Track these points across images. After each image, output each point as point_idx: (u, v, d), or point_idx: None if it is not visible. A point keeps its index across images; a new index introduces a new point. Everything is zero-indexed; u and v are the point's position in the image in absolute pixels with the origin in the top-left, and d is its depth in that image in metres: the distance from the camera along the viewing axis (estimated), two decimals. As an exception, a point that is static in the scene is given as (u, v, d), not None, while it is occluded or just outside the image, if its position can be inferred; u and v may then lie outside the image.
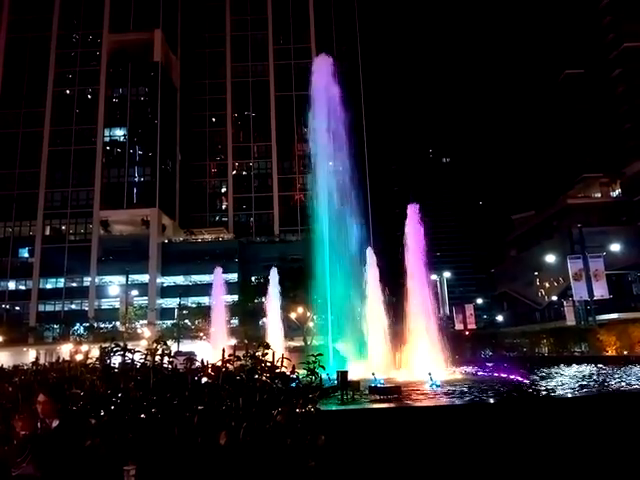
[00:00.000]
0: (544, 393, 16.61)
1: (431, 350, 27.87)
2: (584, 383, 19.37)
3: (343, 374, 17.72)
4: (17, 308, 77.58)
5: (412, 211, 31.09)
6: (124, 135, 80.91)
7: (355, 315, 33.25)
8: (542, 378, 22.33)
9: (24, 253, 78.23)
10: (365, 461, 7.57)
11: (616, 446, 8.20)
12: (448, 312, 79.13)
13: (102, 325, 69.87)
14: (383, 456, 7.75)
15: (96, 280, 74.85)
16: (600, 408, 10.07)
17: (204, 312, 59.60)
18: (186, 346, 56.15)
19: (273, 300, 39.72)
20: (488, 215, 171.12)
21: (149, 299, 72.27)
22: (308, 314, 55.92)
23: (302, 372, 6.32)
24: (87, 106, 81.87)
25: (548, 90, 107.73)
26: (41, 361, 10.53)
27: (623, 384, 18.45)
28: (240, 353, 6.50)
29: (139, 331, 66.14)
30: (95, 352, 7.95)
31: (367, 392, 17.62)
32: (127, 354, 6.62)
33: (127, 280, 61.04)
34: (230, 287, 59.81)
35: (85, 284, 75.93)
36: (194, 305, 68.20)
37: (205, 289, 60.67)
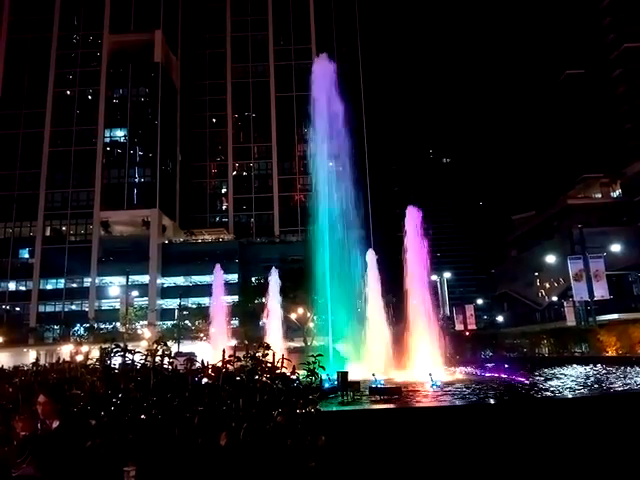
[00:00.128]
0: (544, 394, 16.60)
1: (431, 351, 27.87)
2: (585, 383, 19.36)
3: (343, 375, 17.73)
4: (17, 309, 77.59)
5: (412, 212, 31.09)
6: (124, 136, 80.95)
7: (355, 316, 33.24)
8: (542, 378, 22.32)
9: (24, 254, 78.27)
10: (365, 462, 7.56)
11: (616, 446, 8.20)
12: (448, 312, 79.18)
13: (102, 326, 69.84)
14: (383, 457, 7.75)
15: (96, 281, 74.86)
16: (601, 409, 10.06)
17: (204, 313, 59.60)
18: (186, 347, 56.16)
19: (273, 301, 39.70)
20: (488, 215, 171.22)
21: (149, 300, 72.28)
22: (308, 315, 55.91)
23: (302, 373, 6.32)
24: (87, 107, 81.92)
25: (549, 90, 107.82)
26: (41, 362, 10.53)
27: (623, 384, 18.44)
28: (240, 354, 6.50)
29: (139, 332, 66.09)
30: (95, 353, 7.96)
31: (367, 393, 17.61)
32: (127, 355, 6.62)
33: (127, 281, 61.02)
34: (230, 288, 59.80)
35: (85, 285, 75.95)
36: (194, 306, 68.21)
37: (205, 290, 60.66)
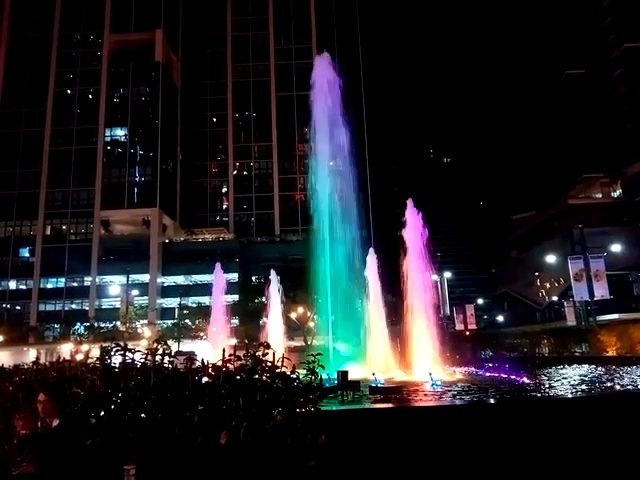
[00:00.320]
0: (544, 393, 16.61)
1: (432, 350, 27.84)
2: (585, 383, 19.37)
3: (343, 374, 17.70)
4: (18, 308, 77.65)
5: (411, 211, 31.06)
6: (125, 135, 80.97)
7: (356, 315, 33.24)
8: (543, 378, 22.32)
9: (25, 253, 78.33)
10: (365, 461, 7.57)
11: (616, 446, 8.21)
12: (448, 312, 79.11)
13: (102, 325, 69.89)
14: (383, 456, 7.76)
15: (97, 280, 74.92)
16: (600, 408, 10.06)
17: (204, 312, 59.60)
18: (186, 346, 56.14)
19: (273, 300, 39.70)
20: (489, 215, 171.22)
21: (149, 299, 72.33)
22: (308, 314, 55.93)
23: (302, 372, 6.32)
24: (88, 106, 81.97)
25: (549, 90, 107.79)
26: (41, 360, 10.54)
27: (624, 384, 18.45)
28: (240, 353, 6.51)
29: (139, 331, 66.16)
30: (95, 352, 7.97)
31: (367, 392, 17.60)
32: (127, 354, 6.63)
33: (128, 280, 61.07)
34: (231, 287, 59.73)
35: (86, 284, 76.00)
36: (194, 305, 68.24)
37: (205, 289, 60.70)
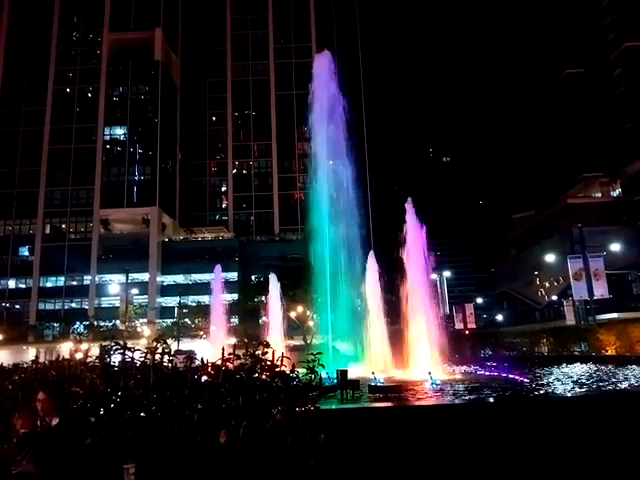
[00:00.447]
0: (544, 392, 16.62)
1: (431, 349, 27.87)
2: (584, 382, 19.38)
3: (343, 373, 17.72)
4: (17, 306, 77.60)
5: (411, 211, 31.09)
6: (124, 134, 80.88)
7: (355, 314, 33.27)
8: (542, 377, 22.34)
9: (24, 251, 78.26)
10: (365, 460, 7.57)
11: (616, 446, 8.21)
12: (448, 311, 79.19)
13: (102, 323, 69.84)
14: (382, 455, 7.76)
15: (96, 279, 74.88)
16: (600, 408, 10.07)
17: (204, 311, 59.65)
18: (186, 345, 56.15)
19: (273, 299, 39.74)
20: (488, 214, 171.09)
21: (149, 298, 72.31)
22: (308, 313, 55.94)
23: (302, 371, 6.32)
24: (87, 105, 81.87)
25: (549, 89, 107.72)
26: (41, 359, 10.54)
27: (623, 384, 18.46)
28: (240, 352, 6.50)
29: (139, 330, 66.17)
30: (95, 350, 7.97)
31: (367, 391, 17.62)
32: (127, 352, 6.62)
33: (127, 279, 61.05)
34: (230, 286, 59.82)
35: (85, 282, 75.95)
36: (194, 304, 68.20)
37: (205, 288, 60.71)
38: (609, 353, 37.42)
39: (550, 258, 64.09)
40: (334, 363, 26.04)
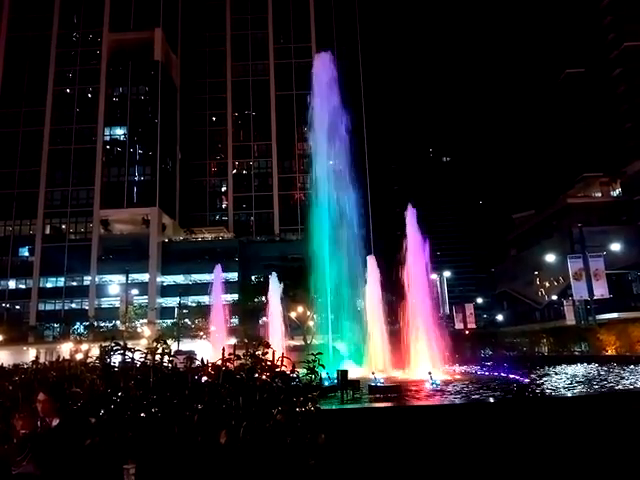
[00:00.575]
0: (544, 392, 16.62)
1: (431, 349, 27.87)
2: (584, 382, 19.38)
3: (343, 373, 17.73)
4: (17, 307, 77.58)
5: (411, 211, 31.14)
6: (124, 134, 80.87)
7: (355, 314, 33.27)
8: (542, 377, 22.34)
9: (24, 252, 78.22)
10: (365, 460, 7.57)
11: (616, 446, 8.21)
12: (448, 311, 79.27)
13: (102, 324, 69.86)
14: (383, 455, 7.76)
15: (96, 279, 74.85)
16: (600, 408, 10.07)
17: (204, 311, 59.59)
18: (186, 345, 56.16)
19: (273, 299, 39.75)
20: (488, 214, 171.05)
21: (149, 298, 72.28)
22: (308, 313, 55.91)
23: (302, 371, 6.32)
24: (87, 105, 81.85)
25: (549, 89, 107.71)
26: (41, 360, 10.53)
27: (623, 384, 18.45)
28: (240, 352, 6.50)
29: (139, 330, 66.13)
30: (95, 351, 7.96)
31: (367, 391, 17.62)
32: (127, 353, 6.63)
33: (127, 279, 61.03)
34: (230, 286, 59.86)
35: (85, 283, 75.92)
36: (194, 304, 68.16)
37: (205, 288, 60.63)
38: (609, 353, 37.44)
39: (550, 258, 64.07)
40: (334, 363, 26.06)
